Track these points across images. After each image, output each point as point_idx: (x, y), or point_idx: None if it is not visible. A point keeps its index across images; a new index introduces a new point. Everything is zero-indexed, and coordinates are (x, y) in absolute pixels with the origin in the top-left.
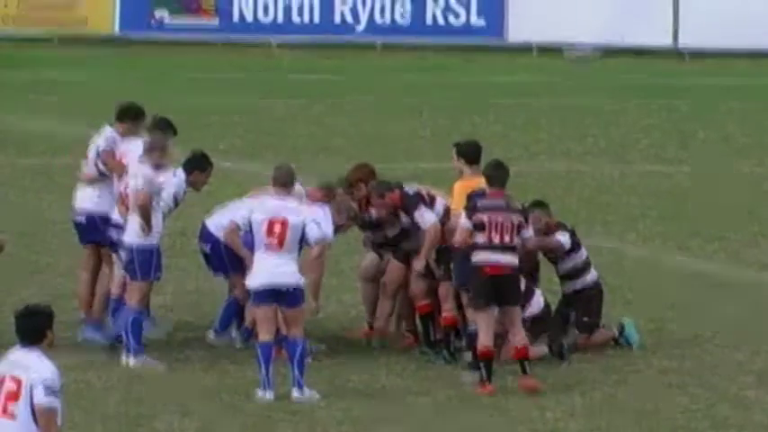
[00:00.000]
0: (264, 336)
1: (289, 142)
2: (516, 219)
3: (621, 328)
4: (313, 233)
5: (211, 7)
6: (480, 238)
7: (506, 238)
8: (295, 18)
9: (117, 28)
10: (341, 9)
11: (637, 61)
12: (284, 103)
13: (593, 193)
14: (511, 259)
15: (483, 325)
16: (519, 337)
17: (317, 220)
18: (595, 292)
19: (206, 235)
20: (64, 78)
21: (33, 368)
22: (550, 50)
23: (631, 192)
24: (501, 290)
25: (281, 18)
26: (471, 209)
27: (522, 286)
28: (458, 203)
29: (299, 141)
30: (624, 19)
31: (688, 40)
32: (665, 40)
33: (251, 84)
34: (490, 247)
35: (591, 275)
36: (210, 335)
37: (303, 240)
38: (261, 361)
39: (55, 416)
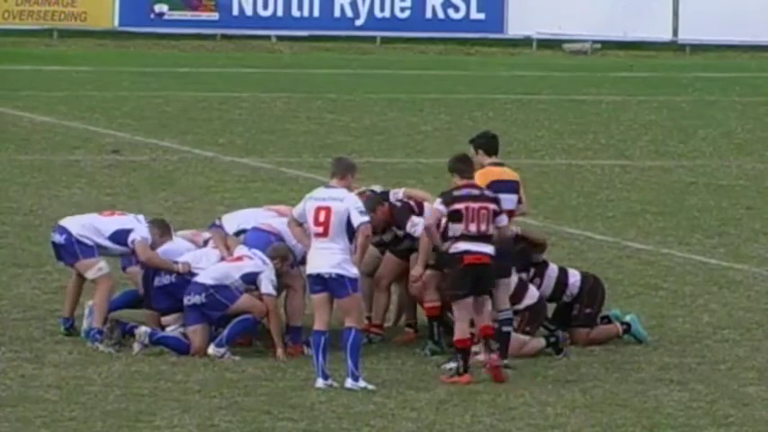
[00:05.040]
0: (316, 325)
1: (289, 137)
2: (492, 206)
3: (627, 328)
4: (356, 220)
5: (211, 1)
6: (457, 229)
7: (483, 227)
8: (295, 12)
9: (116, 22)
10: (341, 3)
11: (637, 55)
12: (284, 98)
13: (594, 188)
14: (487, 248)
15: (460, 315)
16: (484, 317)
17: (359, 208)
18: (596, 283)
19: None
20: (64, 73)
21: None
22: (550, 45)
23: (632, 187)
24: (478, 279)
25: (280, 12)
26: (448, 197)
27: (515, 282)
28: None
29: (299, 137)
30: (624, 13)
31: (688, 35)
32: (665, 34)
33: (251, 78)
34: (468, 237)
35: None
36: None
37: (350, 228)
38: (312, 350)
39: None
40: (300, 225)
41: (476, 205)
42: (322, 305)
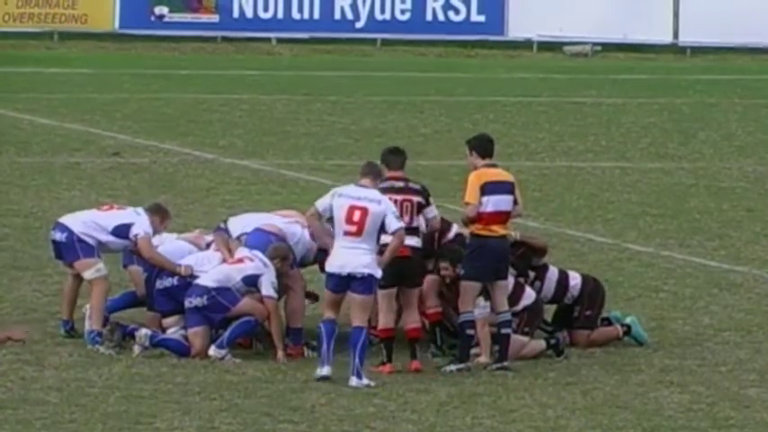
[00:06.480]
0: (328, 314)
1: (289, 140)
2: (416, 199)
3: (628, 329)
4: (392, 224)
5: (211, 4)
6: None
7: (406, 219)
8: (295, 14)
9: (117, 24)
10: (341, 5)
11: (637, 57)
12: (284, 100)
13: (594, 190)
14: (410, 241)
15: (383, 306)
16: (412, 318)
17: (395, 212)
18: (597, 286)
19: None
20: (64, 75)
21: None
22: (551, 47)
23: (632, 189)
24: (401, 272)
25: (281, 14)
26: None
27: (512, 284)
28: (470, 194)
29: (299, 139)
30: (624, 15)
31: (688, 37)
32: (665, 37)
33: (251, 80)
34: None
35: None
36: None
37: (382, 230)
38: (322, 338)
39: None
40: (320, 219)
41: (399, 197)
42: (338, 302)
